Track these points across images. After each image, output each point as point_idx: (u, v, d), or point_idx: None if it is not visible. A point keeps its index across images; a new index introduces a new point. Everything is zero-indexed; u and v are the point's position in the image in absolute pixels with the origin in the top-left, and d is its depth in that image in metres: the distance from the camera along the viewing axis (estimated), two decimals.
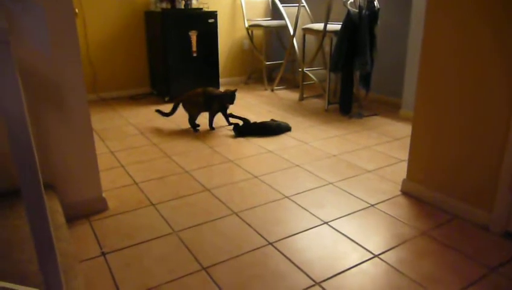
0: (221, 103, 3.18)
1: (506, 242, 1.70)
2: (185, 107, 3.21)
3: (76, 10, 1.86)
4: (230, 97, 3.15)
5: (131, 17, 4.15)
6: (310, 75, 4.10)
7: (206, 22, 4.07)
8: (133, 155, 2.68)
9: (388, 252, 1.64)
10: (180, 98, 3.24)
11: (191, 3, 4.10)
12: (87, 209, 1.93)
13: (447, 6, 1.79)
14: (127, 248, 1.68)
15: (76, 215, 1.89)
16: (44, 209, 0.89)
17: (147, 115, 3.62)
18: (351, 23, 3.31)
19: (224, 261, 1.60)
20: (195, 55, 4.07)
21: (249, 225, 1.84)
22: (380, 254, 1.63)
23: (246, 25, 4.76)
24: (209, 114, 3.21)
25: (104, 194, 2.00)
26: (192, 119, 3.21)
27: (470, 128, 1.80)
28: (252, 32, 4.80)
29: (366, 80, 3.53)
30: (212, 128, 3.20)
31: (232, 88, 3.24)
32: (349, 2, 3.36)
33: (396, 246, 1.69)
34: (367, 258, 1.61)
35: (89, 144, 1.89)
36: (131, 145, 2.88)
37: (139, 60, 4.31)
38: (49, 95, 1.74)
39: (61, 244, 1.42)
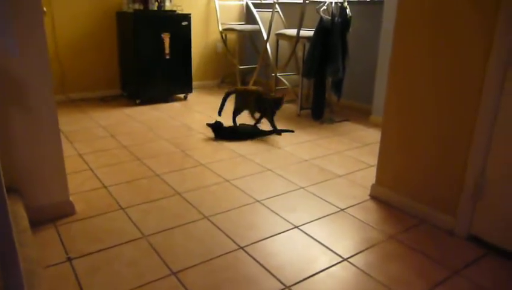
0: (270, 107, 3.18)
1: (470, 245, 1.76)
2: (237, 98, 3.26)
3: (45, 8, 1.81)
4: (276, 103, 3.15)
5: (102, 17, 4.07)
6: (283, 80, 4.14)
7: (180, 25, 4.04)
8: (102, 158, 2.63)
9: (357, 256, 1.67)
10: (235, 89, 3.29)
11: (164, 5, 4.07)
12: (53, 213, 1.87)
13: (415, 15, 1.84)
14: (94, 253, 1.64)
15: (41, 219, 1.83)
16: (7, 213, 0.86)
17: (117, 117, 3.55)
18: (323, 29, 3.36)
19: (194, 265, 1.58)
20: (168, 57, 4.03)
21: (220, 229, 1.84)
22: (349, 258, 1.66)
23: (220, 29, 4.75)
24: (266, 116, 3.23)
25: (71, 198, 1.94)
26: (236, 113, 3.26)
27: (436, 136, 1.85)
28: (225, 36, 4.80)
29: (337, 86, 3.59)
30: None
31: (279, 94, 3.26)
32: (322, 9, 3.41)
33: (365, 249, 1.72)
34: (336, 262, 1.63)
35: (55, 146, 1.83)
36: (101, 147, 2.81)
37: (109, 61, 4.23)
38: (15, 95, 1.68)
39: (25, 250, 1.37)
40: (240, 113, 3.27)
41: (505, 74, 1.57)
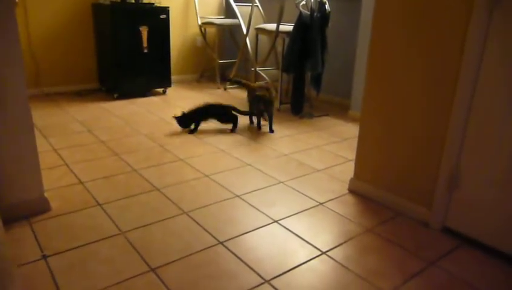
0: (256, 103, 3.12)
1: (444, 237, 1.81)
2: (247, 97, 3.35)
3: None
4: (262, 99, 3.08)
5: (77, 8, 3.97)
6: (263, 74, 4.14)
7: (158, 18, 3.98)
8: (79, 153, 2.57)
9: (335, 249, 1.69)
10: (250, 85, 3.33)
11: None
12: (27, 210, 1.83)
13: (393, 11, 1.86)
14: (71, 250, 1.61)
15: (15, 216, 1.78)
16: None
17: (94, 112, 3.48)
18: (302, 24, 3.37)
19: (173, 261, 1.57)
20: (146, 51, 3.97)
21: (200, 225, 1.83)
22: (327, 251, 1.68)
23: (199, 22, 4.71)
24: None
25: (46, 194, 1.90)
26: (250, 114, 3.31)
27: (413, 131, 1.89)
28: (205, 29, 4.76)
29: (317, 81, 3.62)
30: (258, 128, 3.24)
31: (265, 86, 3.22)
32: (301, 4, 3.42)
33: (344, 243, 1.74)
34: (315, 255, 1.64)
35: (29, 141, 1.78)
36: (77, 142, 2.75)
37: (86, 54, 4.14)
38: None
39: None
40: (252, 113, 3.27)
41: (478, 69, 1.61)
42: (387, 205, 2.05)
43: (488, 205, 1.68)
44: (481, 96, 1.62)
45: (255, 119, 3.29)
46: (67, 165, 2.39)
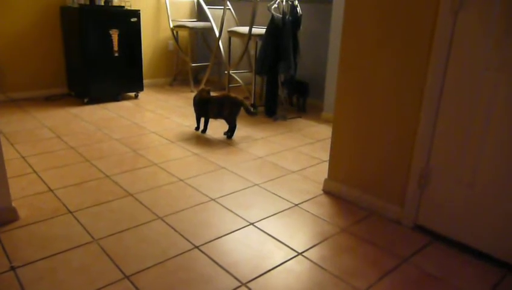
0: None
1: (416, 234, 1.85)
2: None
3: None
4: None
5: (45, 11, 3.87)
6: (236, 77, 4.14)
7: (129, 21, 3.92)
8: (48, 160, 2.50)
9: (311, 250, 1.71)
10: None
11: (111, 1, 3.93)
12: None
13: (363, 9, 1.90)
14: (41, 260, 1.56)
15: None
16: None
17: (63, 117, 3.39)
18: (275, 27, 3.40)
19: (148, 268, 1.54)
20: (116, 55, 3.90)
21: (175, 229, 1.81)
22: (303, 252, 1.69)
23: (171, 26, 4.67)
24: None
25: (14, 203, 1.83)
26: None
27: (385, 132, 1.93)
28: (177, 33, 4.72)
29: (290, 83, 3.64)
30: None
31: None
32: (273, 7, 3.44)
33: (319, 243, 1.76)
34: (291, 257, 1.65)
35: None
36: (46, 149, 2.68)
37: (54, 59, 4.03)
38: None
39: None
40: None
41: (445, 70, 1.66)
42: (361, 205, 2.09)
43: (456, 202, 1.73)
44: (449, 97, 1.67)
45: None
46: (36, 172, 2.32)
